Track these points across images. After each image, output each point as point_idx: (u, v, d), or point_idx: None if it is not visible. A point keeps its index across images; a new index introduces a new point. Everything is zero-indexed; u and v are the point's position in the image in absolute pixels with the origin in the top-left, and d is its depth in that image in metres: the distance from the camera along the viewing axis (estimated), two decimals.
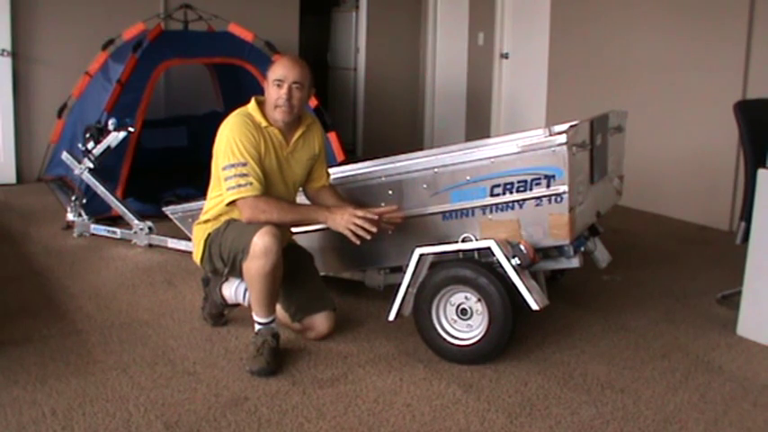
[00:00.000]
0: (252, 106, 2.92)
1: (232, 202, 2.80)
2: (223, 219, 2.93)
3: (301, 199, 3.15)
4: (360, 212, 2.79)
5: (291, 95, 2.84)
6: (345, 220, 2.78)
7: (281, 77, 2.84)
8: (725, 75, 4.94)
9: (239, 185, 2.76)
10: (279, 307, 3.00)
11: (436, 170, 2.99)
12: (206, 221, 2.99)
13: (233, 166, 2.77)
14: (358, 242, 2.79)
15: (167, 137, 6.30)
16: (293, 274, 2.99)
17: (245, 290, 3.04)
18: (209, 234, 2.94)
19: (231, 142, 2.79)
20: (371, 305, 3.41)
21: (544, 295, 2.88)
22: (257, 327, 2.84)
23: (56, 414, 2.41)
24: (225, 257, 2.86)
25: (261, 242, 2.69)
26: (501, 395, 2.63)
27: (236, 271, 2.87)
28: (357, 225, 2.76)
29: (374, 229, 2.79)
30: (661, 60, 5.38)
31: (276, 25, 6.84)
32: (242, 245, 2.75)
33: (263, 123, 2.87)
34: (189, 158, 5.96)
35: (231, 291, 3.12)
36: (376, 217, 2.81)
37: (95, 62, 5.60)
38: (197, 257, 3.02)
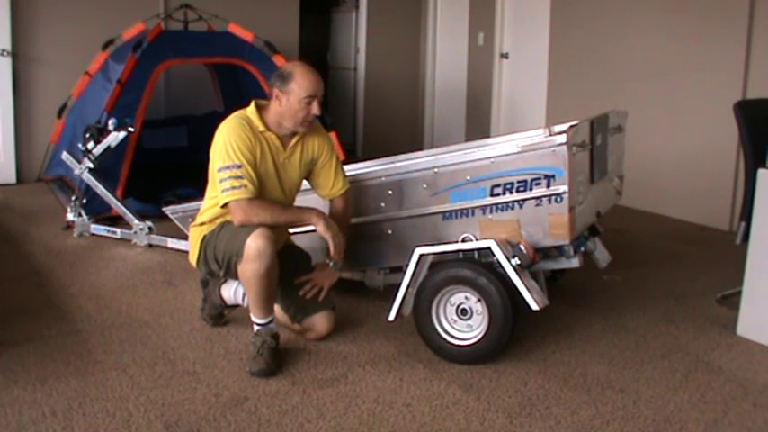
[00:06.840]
0: (251, 110, 2.89)
1: (225, 205, 2.79)
2: (218, 221, 2.92)
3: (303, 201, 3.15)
4: (341, 235, 2.90)
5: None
6: (335, 230, 2.86)
7: (313, 94, 2.80)
8: (725, 75, 4.93)
9: (233, 188, 2.75)
10: (278, 308, 3.00)
11: (436, 170, 2.99)
12: (201, 224, 2.98)
13: (228, 168, 2.76)
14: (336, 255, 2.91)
15: (167, 137, 6.30)
16: (291, 276, 2.99)
17: (245, 291, 3.04)
18: (204, 236, 2.93)
19: (227, 144, 2.77)
20: (371, 305, 3.41)
21: (544, 295, 2.88)
22: (256, 327, 2.83)
23: (56, 414, 2.41)
24: (220, 260, 2.85)
25: (254, 245, 2.68)
26: (501, 395, 2.63)
27: (231, 273, 2.86)
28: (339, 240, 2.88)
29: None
30: (661, 60, 5.38)
31: (276, 25, 6.84)
32: (236, 248, 2.74)
33: (261, 128, 2.85)
34: (189, 158, 5.95)
35: (230, 292, 3.12)
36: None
37: (95, 62, 5.60)
38: (193, 260, 3.01)
